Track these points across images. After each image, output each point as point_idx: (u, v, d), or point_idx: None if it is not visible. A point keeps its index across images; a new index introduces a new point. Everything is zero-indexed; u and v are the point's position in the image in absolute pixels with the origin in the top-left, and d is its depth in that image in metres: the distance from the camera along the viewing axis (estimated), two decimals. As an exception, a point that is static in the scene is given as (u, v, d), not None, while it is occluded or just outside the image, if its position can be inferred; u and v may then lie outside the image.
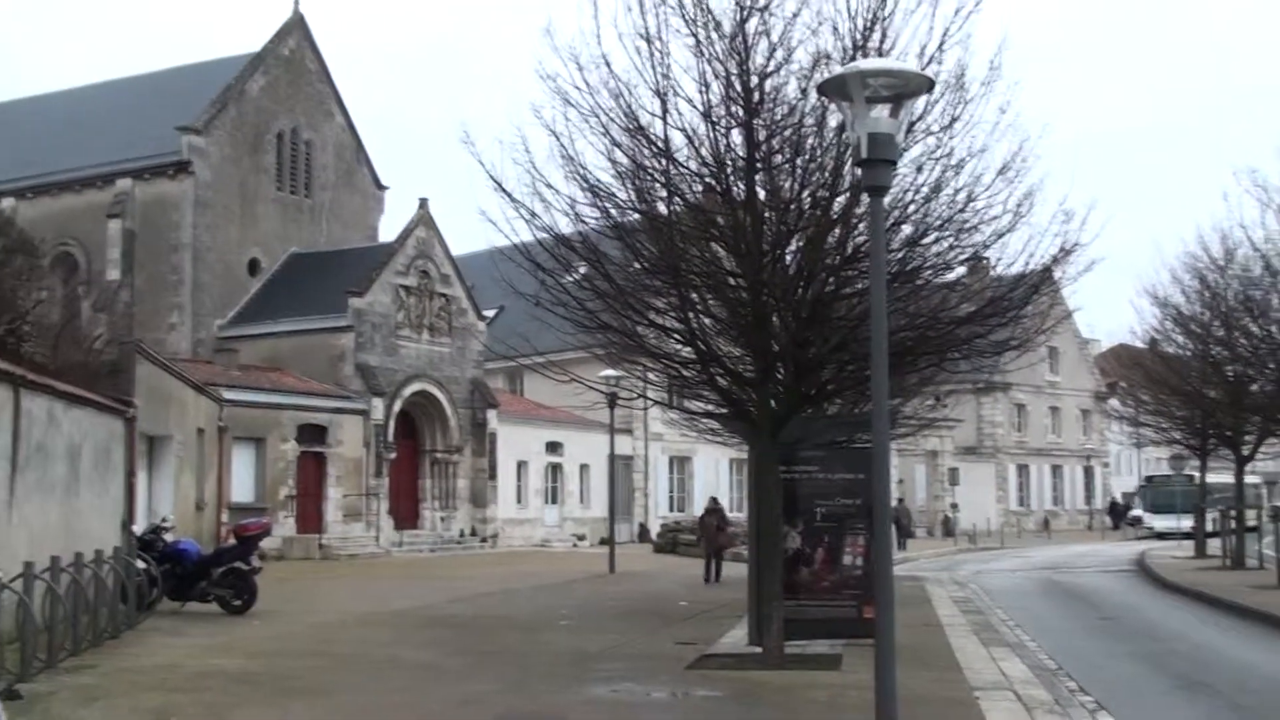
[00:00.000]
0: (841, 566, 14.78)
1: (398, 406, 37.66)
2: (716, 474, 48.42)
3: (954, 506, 60.06)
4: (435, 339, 39.36)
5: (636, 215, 14.39)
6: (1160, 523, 57.08)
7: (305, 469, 34.50)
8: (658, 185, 14.05)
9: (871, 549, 12.72)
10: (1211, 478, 39.42)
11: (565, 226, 14.57)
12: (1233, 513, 34.15)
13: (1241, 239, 26.78)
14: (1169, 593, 26.62)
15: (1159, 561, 34.66)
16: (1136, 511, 62.13)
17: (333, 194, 45.62)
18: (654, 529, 44.71)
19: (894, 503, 44.15)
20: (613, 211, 14.35)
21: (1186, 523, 52.98)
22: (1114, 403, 53.05)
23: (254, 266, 41.96)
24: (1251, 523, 34.10)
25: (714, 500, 30.28)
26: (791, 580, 14.39)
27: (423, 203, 39.56)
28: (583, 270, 14.98)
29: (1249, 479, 42.73)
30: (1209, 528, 43.32)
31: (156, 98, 43.67)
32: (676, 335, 14.58)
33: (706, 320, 14.46)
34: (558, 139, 13.84)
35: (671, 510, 47.66)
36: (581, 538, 43.62)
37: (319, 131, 45.14)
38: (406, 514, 38.43)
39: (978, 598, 24.32)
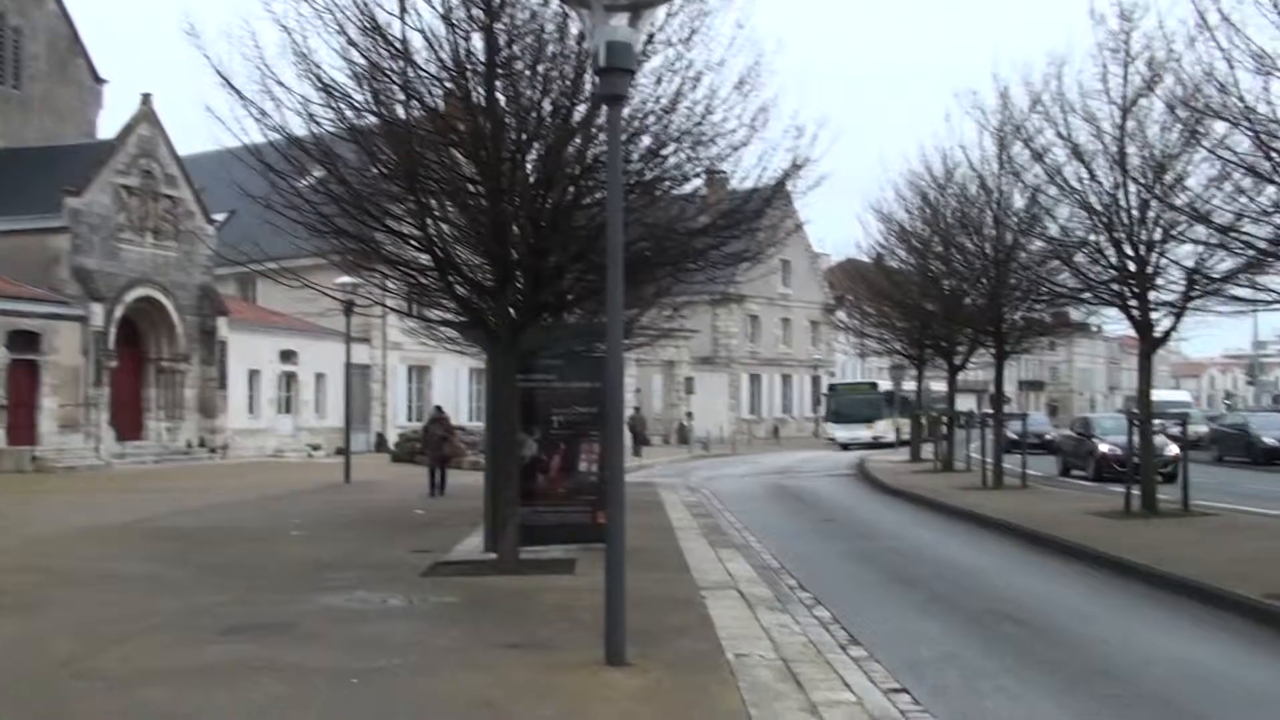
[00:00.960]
0: (577, 473, 15.03)
1: (119, 313, 35.88)
2: (456, 383, 48.24)
3: (689, 415, 61.66)
4: (160, 242, 37.54)
5: (373, 118, 14.00)
6: (843, 433, 55.49)
7: (16, 378, 32.56)
8: (395, 88, 13.67)
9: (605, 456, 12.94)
10: (911, 387, 41.64)
11: (298, 127, 14.02)
12: (944, 419, 36.42)
13: (961, 159, 27.92)
14: (885, 495, 28.24)
15: (877, 466, 36.66)
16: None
17: (45, 86, 42.57)
18: (392, 439, 44.35)
19: (630, 411, 45.15)
20: (348, 114, 13.90)
21: (869, 433, 55.10)
22: (841, 314, 55.28)
23: (-45, 161, 38.90)
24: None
25: (438, 409, 30.15)
26: (528, 487, 14.54)
27: (145, 98, 37.46)
28: (317, 174, 14.50)
29: (936, 387, 45.41)
30: (896, 437, 45.71)
31: None
32: (414, 242, 14.32)
33: (445, 227, 14.26)
34: (289, 34, 13.28)
35: (410, 420, 47.24)
36: (317, 448, 42.87)
37: (28, 17, 41.90)
38: (129, 425, 36.85)
39: (709, 502, 25.21)
